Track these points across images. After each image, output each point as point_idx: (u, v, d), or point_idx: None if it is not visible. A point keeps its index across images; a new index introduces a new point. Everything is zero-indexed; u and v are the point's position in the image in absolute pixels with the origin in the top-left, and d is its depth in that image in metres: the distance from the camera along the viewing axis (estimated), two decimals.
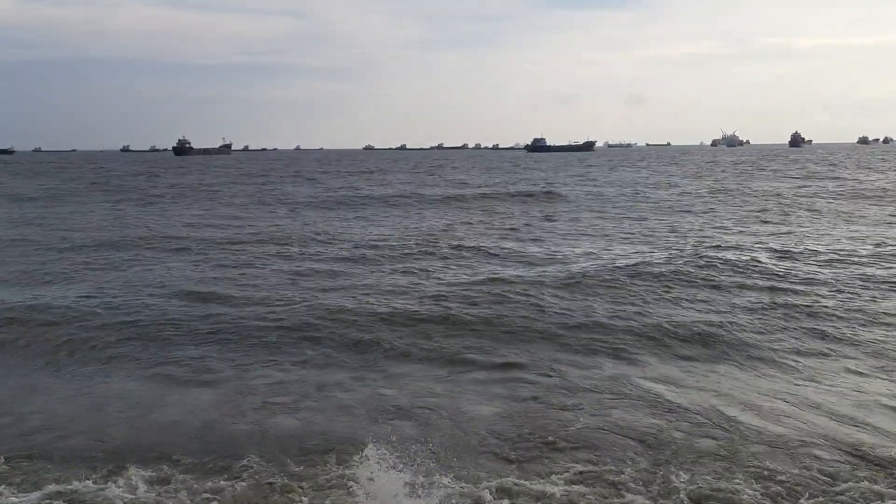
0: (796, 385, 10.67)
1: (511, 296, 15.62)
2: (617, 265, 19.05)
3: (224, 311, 14.68)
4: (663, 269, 18.21)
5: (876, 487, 7.40)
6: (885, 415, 9.47)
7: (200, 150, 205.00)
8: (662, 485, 7.60)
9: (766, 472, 7.82)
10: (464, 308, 14.67)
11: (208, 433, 9.14)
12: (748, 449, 8.44)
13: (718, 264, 18.85)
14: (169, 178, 72.61)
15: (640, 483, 7.67)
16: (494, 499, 7.33)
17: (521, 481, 7.70)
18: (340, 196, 46.59)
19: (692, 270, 18.14)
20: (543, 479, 7.79)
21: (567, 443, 8.70)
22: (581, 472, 7.91)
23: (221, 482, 7.79)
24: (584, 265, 19.51)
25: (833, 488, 7.49)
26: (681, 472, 7.85)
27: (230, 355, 12.12)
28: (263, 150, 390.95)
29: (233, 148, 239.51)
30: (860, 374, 11.08)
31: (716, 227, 28.23)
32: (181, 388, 10.76)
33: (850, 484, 7.52)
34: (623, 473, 7.85)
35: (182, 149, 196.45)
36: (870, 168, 76.02)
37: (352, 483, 7.63)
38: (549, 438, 8.84)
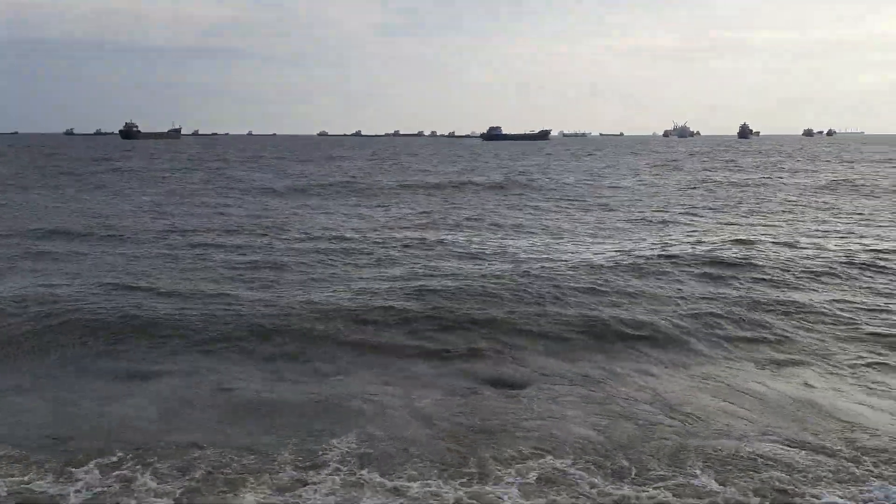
0: (742, 376, 10.99)
1: (472, 288, 15.65)
2: (585, 259, 19.23)
3: (160, 305, 14.27)
4: (630, 264, 18.47)
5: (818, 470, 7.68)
6: (823, 406, 9.81)
7: (149, 133, 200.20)
8: (613, 475, 7.72)
9: (716, 460, 8.02)
10: (421, 301, 14.66)
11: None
12: (697, 438, 8.65)
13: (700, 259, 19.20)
14: (117, 163, 70.72)
15: (591, 473, 7.77)
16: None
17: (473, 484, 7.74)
18: (296, 184, 45.99)
19: (657, 266, 18.43)
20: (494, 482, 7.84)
21: (518, 432, 8.80)
22: (536, 471, 7.97)
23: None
24: (547, 258, 19.66)
25: (777, 473, 7.72)
26: (632, 464, 7.98)
27: (152, 352, 11.87)
28: (214, 134, 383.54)
29: (182, 132, 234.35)
30: (804, 365, 11.47)
31: (693, 218, 28.77)
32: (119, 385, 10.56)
33: (793, 471, 7.77)
34: (575, 464, 7.96)
35: (129, 132, 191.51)
36: (832, 160, 78.23)
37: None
38: (500, 428, 8.94)
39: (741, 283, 16.40)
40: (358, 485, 7.56)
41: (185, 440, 8.64)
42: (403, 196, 39.19)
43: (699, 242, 22.07)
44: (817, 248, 20.81)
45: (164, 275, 17.20)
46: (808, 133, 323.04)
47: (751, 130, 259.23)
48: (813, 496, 7.18)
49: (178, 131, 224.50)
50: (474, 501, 7.23)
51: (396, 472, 7.83)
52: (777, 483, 7.51)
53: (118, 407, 9.67)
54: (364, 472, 7.82)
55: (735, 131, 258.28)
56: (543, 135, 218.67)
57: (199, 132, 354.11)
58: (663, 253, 19.82)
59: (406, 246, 21.33)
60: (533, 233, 24.85)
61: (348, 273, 17.58)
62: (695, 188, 44.10)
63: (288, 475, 7.77)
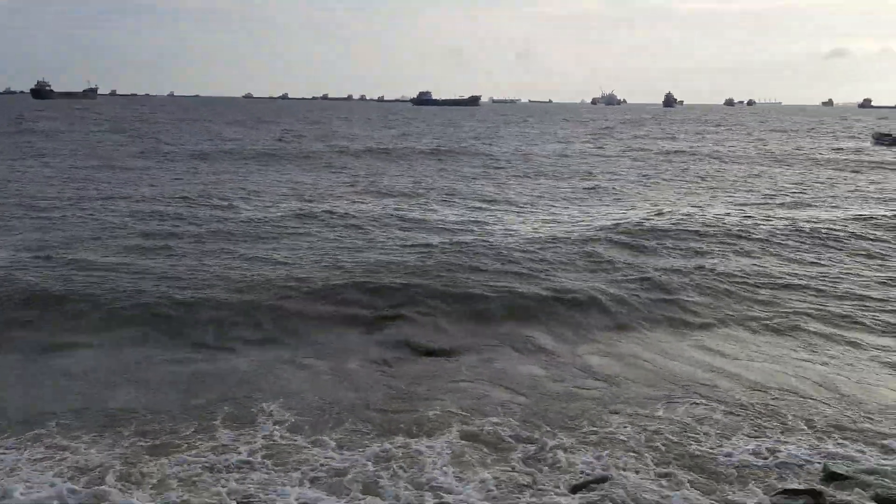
0: (658, 341, 11.63)
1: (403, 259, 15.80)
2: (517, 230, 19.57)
3: (78, 276, 13.85)
4: (563, 234, 18.92)
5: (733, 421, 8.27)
6: (731, 369, 10.51)
7: (62, 93, 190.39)
8: (534, 431, 8.11)
9: (641, 418, 8.52)
10: (348, 271, 14.76)
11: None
12: (616, 399, 9.17)
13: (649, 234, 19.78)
14: (31, 124, 67.02)
15: (520, 433, 8.14)
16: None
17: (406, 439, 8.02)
18: (225, 148, 44.75)
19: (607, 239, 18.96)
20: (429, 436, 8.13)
21: (445, 395, 9.12)
22: (460, 430, 8.29)
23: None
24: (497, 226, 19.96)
25: (699, 428, 8.27)
26: (558, 431, 8.38)
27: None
28: (133, 95, 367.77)
29: (99, 93, 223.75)
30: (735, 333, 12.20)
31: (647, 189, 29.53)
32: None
33: (710, 425, 8.35)
34: (499, 423, 8.31)
35: (41, 91, 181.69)
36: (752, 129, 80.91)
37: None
38: (427, 392, 9.25)
39: (663, 252, 17.10)
40: (290, 446, 7.74)
41: (115, 408, 8.63)
42: (337, 161, 38.80)
43: (630, 210, 22.80)
44: (742, 217, 21.79)
45: (84, 245, 16.70)
46: (730, 103, 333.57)
47: (675, 99, 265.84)
48: (726, 455, 7.72)
49: (94, 91, 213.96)
50: (403, 457, 7.50)
51: (328, 433, 8.04)
52: (688, 440, 8.05)
53: (42, 378, 9.52)
54: (297, 435, 7.99)
55: (660, 100, 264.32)
56: (473, 101, 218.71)
57: (117, 92, 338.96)
58: (593, 223, 20.43)
59: (337, 215, 21.24)
60: (467, 200, 25.12)
61: (276, 243, 17.46)
62: (631, 157, 45.18)
63: (223, 438, 7.90)
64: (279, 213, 21.32)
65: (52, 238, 17.35)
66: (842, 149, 54.01)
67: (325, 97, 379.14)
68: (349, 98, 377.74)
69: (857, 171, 37.46)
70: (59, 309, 12.02)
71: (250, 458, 7.46)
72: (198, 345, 10.93)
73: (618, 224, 19.89)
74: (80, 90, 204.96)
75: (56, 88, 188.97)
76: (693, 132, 78.27)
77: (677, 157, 45.99)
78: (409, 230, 19.26)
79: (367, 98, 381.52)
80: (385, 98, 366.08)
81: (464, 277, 14.20)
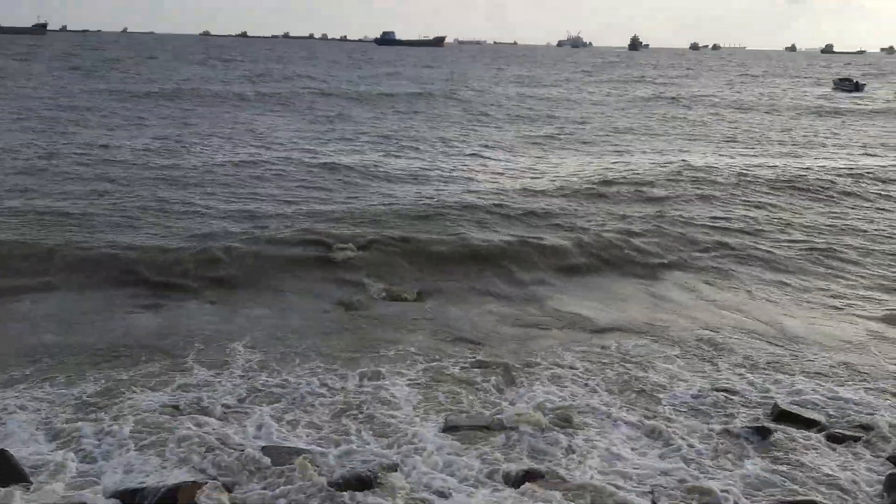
0: (622, 286, 12.18)
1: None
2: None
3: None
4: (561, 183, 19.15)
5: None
6: (682, 309, 11.06)
7: (9, 28, 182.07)
8: (504, 370, 8.55)
9: (584, 352, 9.02)
10: (315, 218, 14.91)
11: None
12: (578, 336, 9.69)
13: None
14: None
15: (482, 369, 8.57)
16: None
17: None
18: (183, 88, 43.60)
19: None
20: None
21: (408, 335, 9.52)
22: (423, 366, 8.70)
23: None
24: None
25: (650, 364, 8.79)
26: (520, 366, 8.82)
27: None
28: (86, 31, 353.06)
29: (49, 28, 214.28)
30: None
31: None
32: None
33: (660, 362, 8.87)
34: (458, 363, 8.73)
35: None
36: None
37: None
38: (391, 335, 9.64)
39: (623, 200, 17.47)
40: (261, 382, 8.05)
41: (86, 349, 8.81)
42: (302, 104, 38.23)
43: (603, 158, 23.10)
44: (706, 163, 22.25)
45: (44, 190, 16.44)
46: (695, 47, 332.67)
47: (641, 43, 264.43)
48: (661, 386, 8.24)
49: (43, 26, 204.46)
50: (368, 390, 7.87)
51: (296, 371, 8.36)
52: (634, 373, 8.56)
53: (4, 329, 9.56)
54: (264, 373, 8.29)
55: (625, 43, 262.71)
56: (438, 42, 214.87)
57: (68, 28, 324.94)
58: (569, 173, 20.71)
59: (300, 161, 21.07)
60: (437, 147, 25.18)
61: (238, 189, 17.38)
62: (627, 103, 45.30)
63: (197, 375, 8.21)
64: (240, 159, 21.17)
65: (6, 183, 17.01)
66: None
67: (286, 35, 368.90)
68: (311, 37, 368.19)
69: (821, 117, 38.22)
70: (15, 256, 11.90)
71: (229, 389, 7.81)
72: (157, 294, 10.96)
73: (584, 173, 20.24)
74: (29, 25, 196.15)
75: (1, 23, 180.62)
76: (673, 77, 78.33)
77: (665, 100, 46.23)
78: (373, 178, 19.31)
79: (330, 37, 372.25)
80: (348, 38, 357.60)
81: (425, 227, 14.41)
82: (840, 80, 65.60)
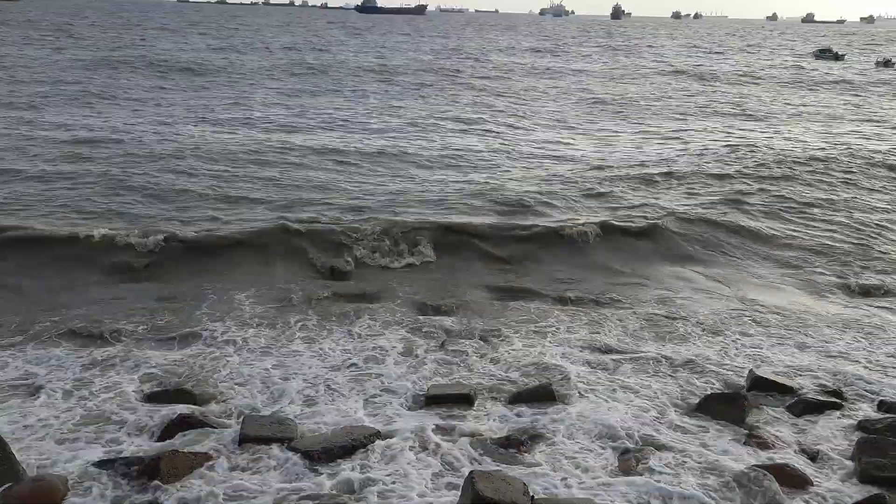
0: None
1: None
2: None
3: None
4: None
5: None
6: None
7: None
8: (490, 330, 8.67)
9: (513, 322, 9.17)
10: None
11: None
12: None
13: None
14: None
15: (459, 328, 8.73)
16: None
17: None
18: (150, 60, 42.48)
19: None
20: None
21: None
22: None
23: None
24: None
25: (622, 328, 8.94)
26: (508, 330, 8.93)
27: None
28: None
29: None
30: None
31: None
32: None
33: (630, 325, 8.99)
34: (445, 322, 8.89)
35: None
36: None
37: None
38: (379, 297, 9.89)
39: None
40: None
41: (84, 316, 8.94)
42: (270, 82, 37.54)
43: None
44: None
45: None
46: (677, 16, 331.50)
47: (623, 11, 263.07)
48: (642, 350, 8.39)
49: None
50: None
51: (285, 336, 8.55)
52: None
53: None
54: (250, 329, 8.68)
55: (607, 12, 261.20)
56: (420, 9, 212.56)
57: None
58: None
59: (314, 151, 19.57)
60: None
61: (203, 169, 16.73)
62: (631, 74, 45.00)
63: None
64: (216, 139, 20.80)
65: None
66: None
67: (266, 3, 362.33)
68: (291, 3, 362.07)
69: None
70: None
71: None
72: (121, 269, 10.86)
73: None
74: None
75: None
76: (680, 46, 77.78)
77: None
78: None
79: (311, 4, 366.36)
80: (328, 5, 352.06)
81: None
82: (821, 50, 65.73)
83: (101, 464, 5.72)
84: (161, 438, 6.16)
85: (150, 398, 6.93)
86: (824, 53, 62.67)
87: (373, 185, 15.44)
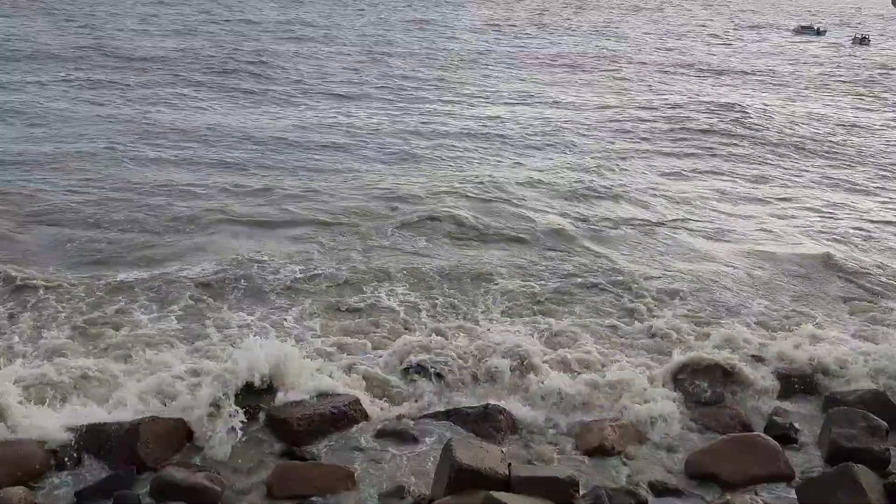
0: None
1: None
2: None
3: None
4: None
5: None
6: None
7: None
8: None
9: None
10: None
11: None
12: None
13: None
14: None
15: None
16: None
17: None
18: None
19: None
20: None
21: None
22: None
23: None
24: None
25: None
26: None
27: None
28: None
29: None
30: None
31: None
32: None
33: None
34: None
35: None
36: None
37: None
38: None
39: None
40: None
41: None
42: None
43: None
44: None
45: None
46: None
47: None
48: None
49: None
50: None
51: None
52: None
53: None
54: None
55: None
56: None
57: None
58: None
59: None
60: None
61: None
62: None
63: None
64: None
65: None
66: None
67: None
68: None
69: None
70: None
71: None
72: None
73: None
74: None
75: None
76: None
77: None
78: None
79: None
80: None
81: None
82: (802, 26, 65.79)
83: None
84: None
85: None
86: (806, 30, 62.70)
87: None
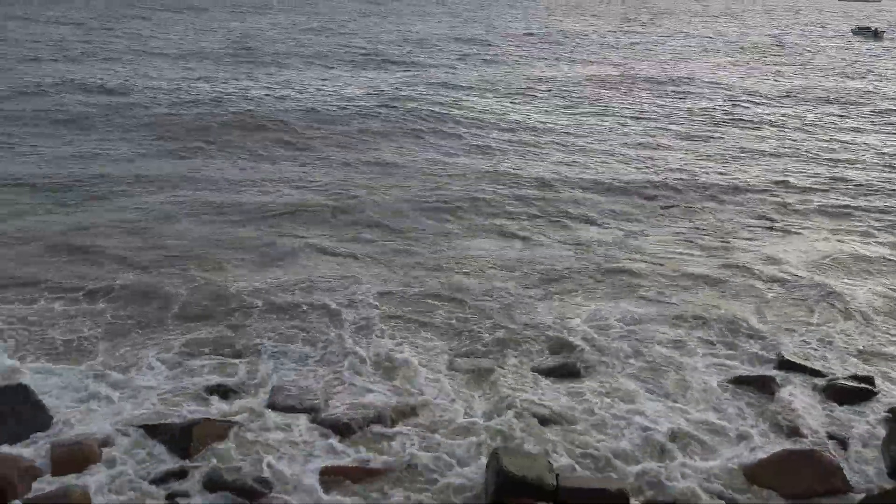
0: None
1: None
2: None
3: None
4: None
5: None
6: None
7: None
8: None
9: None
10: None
11: None
12: None
13: None
14: None
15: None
16: None
17: None
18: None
19: None
20: None
21: None
22: None
23: None
24: None
25: None
26: None
27: None
28: None
29: None
30: None
31: None
32: None
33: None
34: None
35: None
36: None
37: None
38: None
39: None
40: None
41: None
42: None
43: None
44: None
45: None
46: None
47: None
48: None
49: None
50: None
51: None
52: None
53: None
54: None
55: None
56: None
57: None
58: None
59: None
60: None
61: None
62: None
63: None
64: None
65: None
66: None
67: None
68: None
69: None
70: None
71: None
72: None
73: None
74: None
75: None
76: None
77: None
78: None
79: None
80: None
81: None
82: (859, 27, 63.88)
83: None
84: None
85: None
86: (863, 31, 60.79)
87: None
